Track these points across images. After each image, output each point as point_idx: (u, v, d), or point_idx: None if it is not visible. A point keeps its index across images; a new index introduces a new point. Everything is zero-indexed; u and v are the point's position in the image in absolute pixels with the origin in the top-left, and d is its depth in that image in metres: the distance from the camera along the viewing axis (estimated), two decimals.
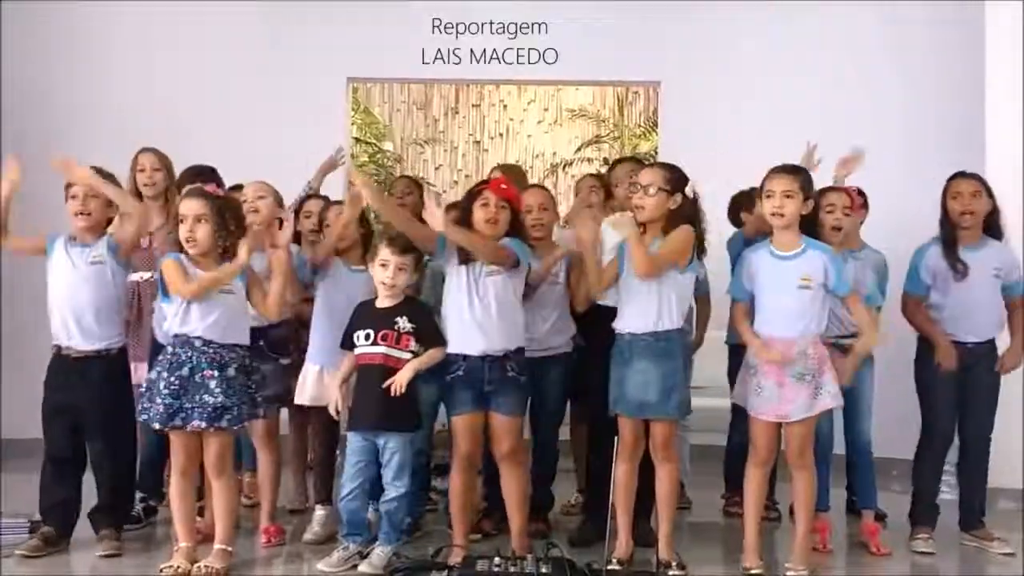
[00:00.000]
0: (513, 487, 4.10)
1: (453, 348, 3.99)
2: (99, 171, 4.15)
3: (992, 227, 4.49)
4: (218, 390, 3.81)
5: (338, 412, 4.11)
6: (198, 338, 3.83)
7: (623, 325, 4.01)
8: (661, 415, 3.98)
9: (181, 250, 3.91)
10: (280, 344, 4.38)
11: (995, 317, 4.51)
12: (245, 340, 3.95)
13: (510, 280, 4.01)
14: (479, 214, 3.99)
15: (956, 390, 4.45)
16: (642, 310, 3.95)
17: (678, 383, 4.00)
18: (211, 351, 3.83)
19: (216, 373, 3.82)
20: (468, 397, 3.98)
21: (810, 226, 4.04)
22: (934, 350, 4.45)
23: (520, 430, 4.11)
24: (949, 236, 4.45)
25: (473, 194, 4.09)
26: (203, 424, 3.81)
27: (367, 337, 3.99)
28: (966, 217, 4.43)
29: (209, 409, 3.80)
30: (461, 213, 4.09)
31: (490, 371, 3.95)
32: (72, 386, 4.13)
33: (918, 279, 4.51)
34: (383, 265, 4.01)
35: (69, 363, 4.13)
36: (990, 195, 4.47)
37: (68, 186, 4.16)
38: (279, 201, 4.47)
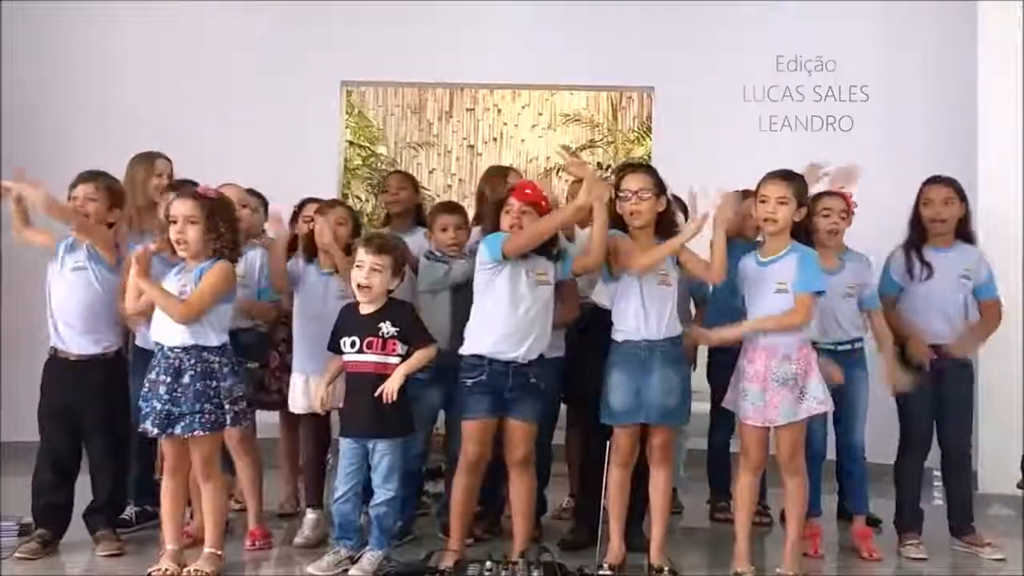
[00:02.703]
0: (523, 493, 4.09)
1: (480, 350, 3.94)
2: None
3: (964, 231, 4.51)
4: (167, 396, 3.77)
5: (325, 411, 4.10)
6: (159, 344, 3.84)
7: (637, 332, 3.98)
8: (683, 421, 4.05)
9: (173, 251, 3.90)
10: (249, 349, 4.35)
11: (963, 319, 4.50)
12: (211, 343, 3.85)
13: (551, 288, 4.00)
14: (504, 222, 3.99)
15: (931, 396, 4.45)
16: (659, 316, 3.96)
17: (690, 387, 4.08)
18: (171, 356, 3.81)
19: (168, 379, 3.79)
20: (486, 402, 3.94)
21: (805, 233, 4.06)
22: (905, 355, 4.45)
23: (534, 436, 4.09)
24: (916, 238, 4.50)
25: (499, 203, 4.08)
26: (154, 430, 3.80)
27: (353, 344, 3.98)
28: (936, 224, 4.47)
29: (163, 415, 3.78)
30: (491, 225, 4.08)
31: (513, 378, 3.94)
32: (69, 389, 4.15)
33: (889, 279, 4.54)
34: (358, 266, 3.99)
35: (66, 366, 4.15)
36: (963, 200, 4.49)
37: (72, 187, 4.18)
38: (265, 207, 4.50)
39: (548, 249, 3.99)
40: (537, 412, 4.05)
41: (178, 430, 3.79)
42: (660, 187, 4.02)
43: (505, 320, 3.92)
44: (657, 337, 3.97)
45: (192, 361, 3.80)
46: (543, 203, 4.02)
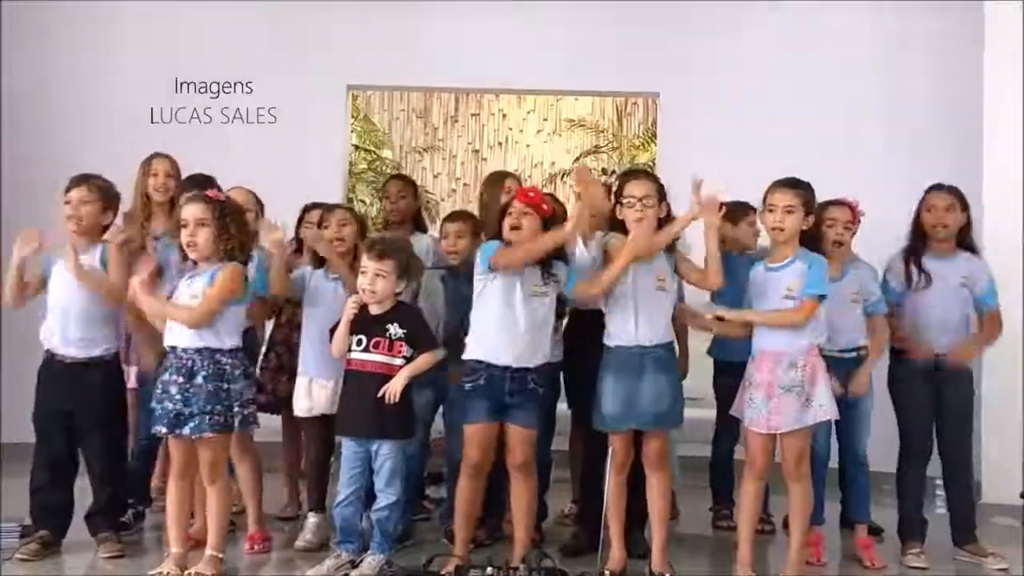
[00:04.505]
0: (524, 498, 4.08)
1: (478, 355, 3.95)
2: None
3: (966, 241, 4.51)
4: (178, 396, 3.78)
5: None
6: (172, 346, 3.86)
7: (630, 338, 3.99)
8: (676, 425, 4.06)
9: (184, 256, 3.91)
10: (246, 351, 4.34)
11: (964, 329, 4.49)
12: (224, 345, 3.87)
13: (553, 297, 4.00)
14: (505, 223, 3.99)
15: (931, 404, 4.45)
16: (653, 322, 3.97)
17: (680, 392, 4.07)
18: (184, 357, 3.82)
19: (181, 380, 3.80)
20: (485, 407, 3.95)
21: (812, 240, 4.06)
22: (906, 365, 4.45)
23: (534, 441, 4.09)
24: (915, 246, 4.49)
25: (503, 209, 4.08)
26: (164, 430, 3.82)
27: (359, 343, 3.99)
28: (938, 229, 4.46)
29: (172, 416, 3.79)
30: (492, 230, 4.09)
31: (511, 382, 3.94)
32: (66, 392, 4.14)
33: (887, 287, 4.53)
34: (363, 272, 4.00)
35: (62, 368, 4.15)
36: (964, 208, 4.49)
37: (66, 191, 4.17)
38: (261, 210, 4.55)
39: (548, 264, 3.97)
40: (537, 417, 4.04)
41: (186, 431, 3.80)
42: (661, 193, 4.05)
43: (496, 331, 3.93)
44: (649, 343, 3.97)
45: (205, 362, 3.82)
46: (544, 206, 4.02)
